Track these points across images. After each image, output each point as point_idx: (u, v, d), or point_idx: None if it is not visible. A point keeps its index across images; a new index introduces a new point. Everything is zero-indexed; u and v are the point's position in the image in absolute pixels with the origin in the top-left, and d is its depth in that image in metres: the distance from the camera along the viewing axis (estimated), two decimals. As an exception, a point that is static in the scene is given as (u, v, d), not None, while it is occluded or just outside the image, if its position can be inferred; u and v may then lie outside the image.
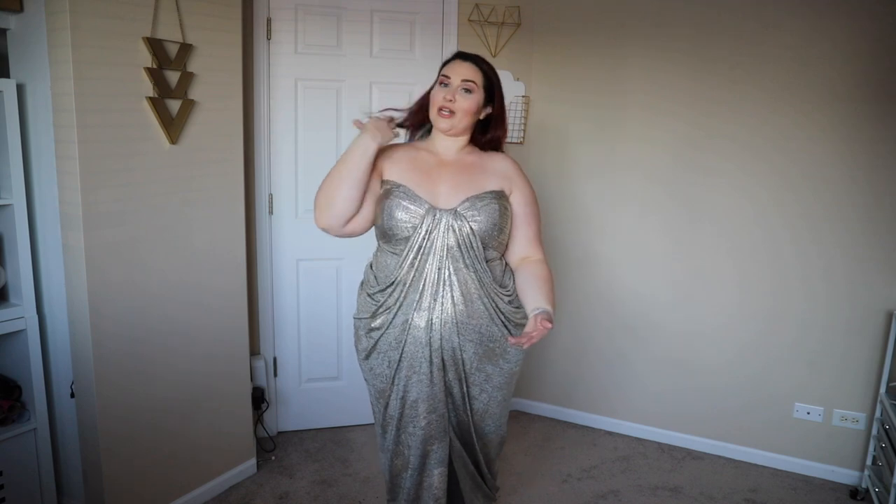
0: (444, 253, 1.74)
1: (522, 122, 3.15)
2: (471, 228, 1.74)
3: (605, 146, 3.07)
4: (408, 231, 1.75)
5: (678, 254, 2.99)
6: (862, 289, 2.69)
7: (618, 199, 3.08)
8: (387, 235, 1.80)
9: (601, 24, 2.99)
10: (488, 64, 1.84)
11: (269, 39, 2.76)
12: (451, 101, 1.76)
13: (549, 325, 1.59)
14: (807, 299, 2.78)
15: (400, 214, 1.75)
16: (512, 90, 3.10)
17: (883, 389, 2.61)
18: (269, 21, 2.75)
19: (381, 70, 2.92)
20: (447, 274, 1.75)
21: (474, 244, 1.74)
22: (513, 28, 3.05)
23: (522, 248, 1.86)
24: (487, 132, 1.87)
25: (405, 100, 2.95)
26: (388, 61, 2.92)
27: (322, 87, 2.88)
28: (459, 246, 1.74)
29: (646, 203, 3.02)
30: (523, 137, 3.17)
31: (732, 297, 2.91)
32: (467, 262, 1.75)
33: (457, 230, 1.73)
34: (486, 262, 1.78)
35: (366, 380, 1.90)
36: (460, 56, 1.83)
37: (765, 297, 2.85)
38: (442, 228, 1.73)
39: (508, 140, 3.11)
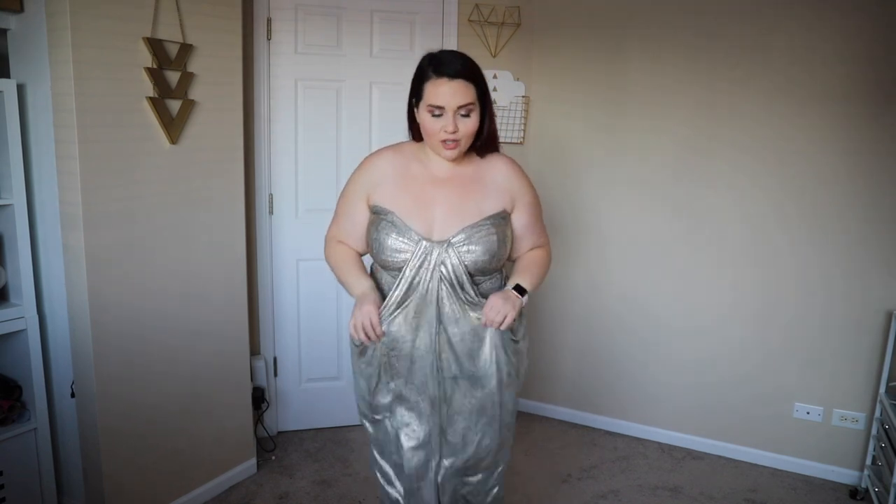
0: (438, 284, 1.64)
1: (522, 122, 3.15)
2: (462, 263, 1.62)
3: (605, 146, 3.07)
4: (399, 263, 1.64)
5: (678, 254, 2.99)
6: (862, 289, 2.69)
7: (618, 199, 3.08)
8: (380, 262, 1.69)
9: (601, 23, 2.99)
10: (474, 66, 1.60)
11: (269, 39, 2.76)
12: (453, 132, 1.56)
13: (498, 303, 1.59)
14: (807, 299, 2.78)
15: (390, 245, 1.63)
16: (512, 90, 3.10)
17: (882, 389, 2.62)
18: (269, 21, 2.75)
19: (381, 70, 2.92)
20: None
21: (466, 280, 1.63)
22: (513, 28, 3.05)
23: (528, 248, 1.81)
24: (481, 132, 1.66)
25: (405, 100, 2.95)
26: (388, 61, 2.92)
27: (322, 87, 2.88)
28: (451, 279, 1.63)
29: (645, 203, 3.02)
30: (523, 137, 3.17)
31: (732, 297, 2.91)
32: (460, 295, 1.65)
33: (448, 265, 1.61)
34: (482, 282, 1.70)
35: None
36: (447, 74, 1.54)
37: (765, 297, 2.85)
38: (434, 261, 1.61)
39: (508, 140, 3.12)
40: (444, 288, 1.63)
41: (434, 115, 1.57)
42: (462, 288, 1.64)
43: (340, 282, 1.78)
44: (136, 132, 2.13)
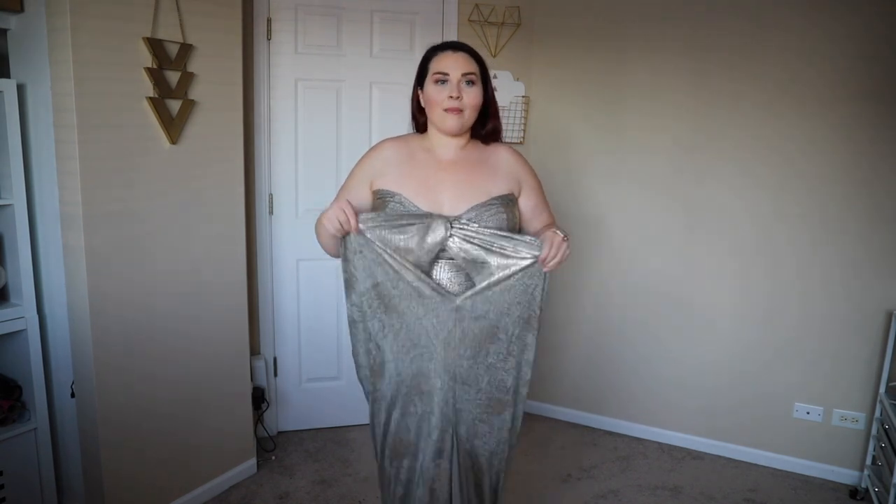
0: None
1: (522, 121, 3.15)
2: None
3: (605, 146, 3.07)
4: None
5: (678, 254, 2.99)
6: (861, 289, 2.69)
7: (617, 199, 3.08)
8: None
9: (601, 23, 2.99)
10: (476, 52, 1.70)
11: (269, 39, 2.76)
12: (458, 98, 1.62)
13: (560, 236, 1.55)
14: (806, 299, 2.78)
15: None
16: (512, 90, 3.10)
17: (882, 389, 2.62)
18: (269, 21, 2.75)
19: (381, 70, 2.92)
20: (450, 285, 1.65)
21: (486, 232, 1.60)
22: (513, 28, 3.05)
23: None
24: (485, 122, 1.72)
25: (405, 100, 2.95)
26: (388, 61, 2.92)
27: (322, 87, 2.88)
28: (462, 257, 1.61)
29: (645, 203, 3.02)
30: (523, 137, 3.17)
31: (732, 297, 2.91)
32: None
33: (458, 242, 1.60)
34: None
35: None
36: (451, 47, 1.67)
37: (764, 297, 2.85)
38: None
39: (508, 140, 3.12)
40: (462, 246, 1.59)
41: (439, 83, 1.64)
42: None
43: (325, 237, 1.66)
44: (136, 132, 2.13)
